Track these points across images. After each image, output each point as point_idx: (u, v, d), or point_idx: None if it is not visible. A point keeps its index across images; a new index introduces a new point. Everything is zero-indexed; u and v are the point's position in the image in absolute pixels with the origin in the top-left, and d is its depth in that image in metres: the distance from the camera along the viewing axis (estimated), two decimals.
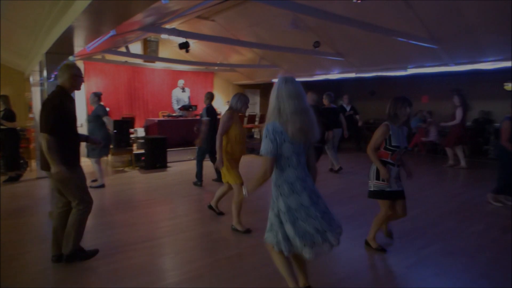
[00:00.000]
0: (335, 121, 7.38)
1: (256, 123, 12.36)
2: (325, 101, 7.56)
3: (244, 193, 2.48)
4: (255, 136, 12.37)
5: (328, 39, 8.48)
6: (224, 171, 4.21)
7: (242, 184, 4.06)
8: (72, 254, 3.32)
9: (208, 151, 6.46)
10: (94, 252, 3.51)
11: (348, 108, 10.35)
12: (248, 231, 4.17)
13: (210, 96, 6.62)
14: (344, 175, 7.45)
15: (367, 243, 3.80)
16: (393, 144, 3.46)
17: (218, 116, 6.54)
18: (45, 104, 3.13)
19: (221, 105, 13.45)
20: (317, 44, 8.18)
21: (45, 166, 3.16)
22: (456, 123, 7.96)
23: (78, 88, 3.31)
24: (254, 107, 14.74)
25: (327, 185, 6.56)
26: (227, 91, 13.98)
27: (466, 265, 3.40)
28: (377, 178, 3.54)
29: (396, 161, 3.52)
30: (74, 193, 3.25)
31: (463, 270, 3.30)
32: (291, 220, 2.28)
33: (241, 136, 4.16)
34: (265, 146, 2.24)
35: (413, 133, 10.36)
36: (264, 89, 14.34)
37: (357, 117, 10.47)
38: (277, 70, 11.58)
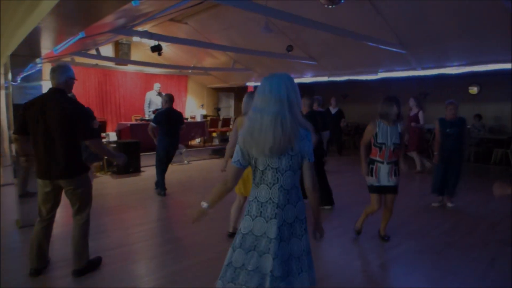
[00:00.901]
0: (324, 125, 7.48)
1: (231, 126, 12.35)
2: (314, 105, 7.65)
3: (203, 205, 1.94)
4: (229, 139, 12.34)
5: (301, 43, 8.61)
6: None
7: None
8: (86, 267, 3.18)
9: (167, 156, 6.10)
10: (99, 260, 3.38)
11: (334, 111, 10.46)
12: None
13: (170, 99, 6.27)
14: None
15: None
16: (379, 141, 3.65)
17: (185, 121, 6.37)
18: (78, 111, 2.97)
19: (195, 108, 13.37)
20: (290, 48, 8.28)
21: (44, 173, 2.97)
22: (422, 125, 7.97)
23: (70, 91, 3.20)
24: (228, 111, 14.73)
25: None
26: (201, 94, 13.92)
27: (435, 262, 3.52)
28: (368, 174, 3.80)
29: (386, 158, 3.68)
30: (87, 200, 3.15)
31: (432, 267, 3.42)
32: (244, 246, 1.86)
33: None
34: (235, 152, 1.87)
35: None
36: (239, 92, 14.36)
37: (343, 120, 10.56)
38: (251, 74, 11.64)
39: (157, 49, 7.22)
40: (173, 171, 8.25)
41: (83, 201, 3.11)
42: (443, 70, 7.73)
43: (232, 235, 4.16)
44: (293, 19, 5.57)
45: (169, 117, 5.90)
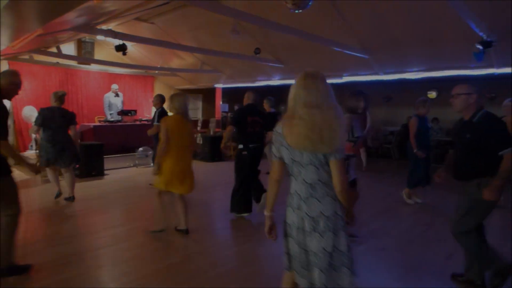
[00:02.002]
0: (273, 125, 7.51)
1: (199, 128, 12.23)
2: (266, 105, 7.72)
3: (266, 214, 2.05)
4: (197, 141, 12.22)
5: (268, 46, 8.68)
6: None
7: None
8: (7, 268, 3.01)
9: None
10: (26, 268, 3.21)
11: None
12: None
13: (162, 99, 6.41)
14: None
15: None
16: (355, 135, 3.71)
17: None
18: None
19: None
20: (257, 51, 8.33)
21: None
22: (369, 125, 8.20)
23: (10, 98, 3.10)
24: (196, 112, 14.58)
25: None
26: (168, 95, 13.67)
27: (397, 259, 3.66)
28: (347, 171, 3.67)
29: (355, 151, 3.78)
30: (15, 197, 3.04)
31: (395, 264, 3.55)
32: (291, 233, 1.96)
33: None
34: (271, 148, 1.97)
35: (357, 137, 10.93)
36: (207, 94, 14.25)
37: None
38: (219, 76, 11.59)
39: (121, 48, 7.03)
40: (139, 173, 8.07)
41: (12, 197, 3.02)
42: (404, 75, 8.06)
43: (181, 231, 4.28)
44: (261, 22, 5.61)
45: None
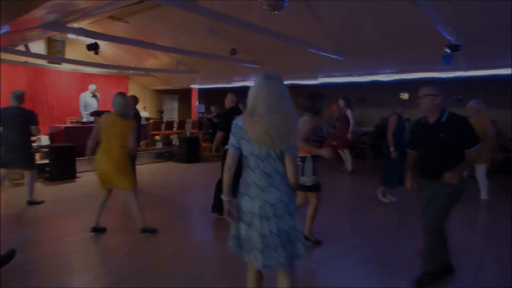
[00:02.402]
0: None
1: (175, 129, 12.08)
2: (241, 107, 7.73)
3: (224, 198, 2.15)
4: (173, 142, 12.08)
5: (245, 47, 8.69)
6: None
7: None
8: None
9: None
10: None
11: None
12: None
13: (135, 100, 6.31)
14: None
15: (307, 238, 3.79)
16: (319, 135, 3.83)
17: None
18: None
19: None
20: (234, 51, 8.33)
21: None
22: (352, 124, 8.21)
23: None
24: (172, 113, 14.41)
25: None
26: (143, 96, 13.44)
27: (371, 257, 3.73)
28: (314, 173, 3.70)
29: (328, 146, 3.81)
30: None
31: (368, 261, 3.62)
32: (242, 219, 2.14)
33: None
34: (230, 139, 2.13)
35: (324, 137, 11.08)
36: (183, 94, 14.11)
37: None
38: (195, 76, 11.50)
39: (93, 47, 6.87)
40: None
41: None
42: (377, 77, 8.25)
43: (95, 229, 4.23)
44: (237, 23, 5.62)
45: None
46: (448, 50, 5.80)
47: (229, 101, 5.12)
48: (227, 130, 4.52)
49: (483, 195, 5.76)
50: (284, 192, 2.08)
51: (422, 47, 6.61)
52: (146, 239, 4.13)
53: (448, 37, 5.69)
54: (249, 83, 10.76)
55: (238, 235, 2.18)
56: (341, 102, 8.28)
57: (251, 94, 2.09)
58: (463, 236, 4.39)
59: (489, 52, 6.43)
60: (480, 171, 5.65)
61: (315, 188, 3.76)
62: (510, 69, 6.69)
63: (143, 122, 11.45)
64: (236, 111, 4.93)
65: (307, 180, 3.69)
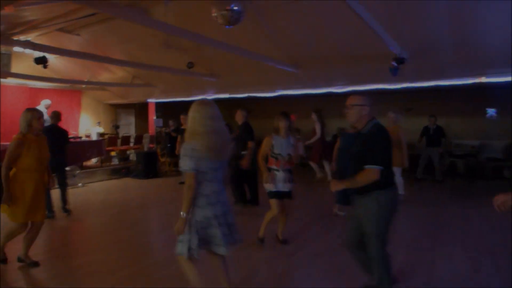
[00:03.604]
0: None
1: (132, 144, 11.74)
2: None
3: (182, 215, 2.49)
4: (131, 158, 11.73)
5: (202, 60, 8.70)
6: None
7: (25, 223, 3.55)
8: None
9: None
10: None
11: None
12: (35, 264, 3.69)
13: (56, 115, 5.91)
14: None
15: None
16: (275, 151, 4.10)
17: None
18: None
19: (90, 126, 12.42)
20: (190, 65, 8.31)
21: None
22: (318, 137, 8.70)
23: None
24: (128, 128, 14.00)
25: None
26: (97, 111, 12.99)
27: (331, 263, 3.82)
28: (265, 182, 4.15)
29: (281, 166, 4.10)
30: None
31: (330, 268, 3.70)
32: (204, 226, 2.55)
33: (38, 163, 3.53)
34: (186, 163, 2.46)
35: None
36: (140, 109, 13.77)
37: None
38: (152, 90, 11.31)
39: (41, 61, 6.56)
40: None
41: None
42: (331, 89, 8.58)
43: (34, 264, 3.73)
44: (192, 37, 5.63)
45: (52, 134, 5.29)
46: (395, 63, 6.16)
47: (240, 117, 6.33)
48: (252, 138, 5.98)
49: (400, 190, 6.24)
50: (225, 195, 2.71)
51: (371, 60, 6.96)
52: (112, 255, 3.95)
53: (395, 51, 6.05)
54: (208, 96, 10.77)
55: (199, 242, 2.54)
56: (314, 116, 8.67)
57: (189, 119, 2.54)
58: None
59: (432, 64, 6.90)
60: (397, 172, 6.15)
61: (268, 195, 4.22)
62: (452, 79, 7.25)
63: (97, 138, 11.05)
64: (249, 124, 6.27)
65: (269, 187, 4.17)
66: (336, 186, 2.78)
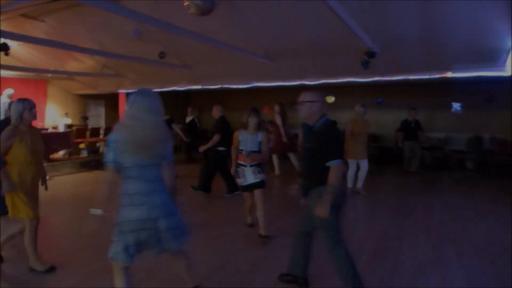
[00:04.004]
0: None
1: (101, 136, 11.41)
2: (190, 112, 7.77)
3: (93, 212, 2.33)
4: (100, 150, 11.41)
5: (174, 51, 8.53)
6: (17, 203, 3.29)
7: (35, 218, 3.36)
8: None
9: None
10: None
11: (188, 120, 10.58)
12: (52, 269, 3.46)
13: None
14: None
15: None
16: (240, 147, 4.17)
17: None
18: None
19: (57, 117, 11.97)
20: (162, 55, 8.14)
21: None
22: (282, 130, 8.47)
23: None
24: (98, 119, 13.60)
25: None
26: (65, 101, 12.53)
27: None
28: (238, 176, 4.28)
29: (248, 162, 4.17)
30: None
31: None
32: (130, 229, 2.28)
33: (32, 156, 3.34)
34: (106, 154, 2.28)
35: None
36: (110, 99, 13.38)
37: (198, 125, 10.82)
38: (123, 80, 11.01)
39: (2, 48, 6.23)
40: None
41: None
42: (304, 81, 8.65)
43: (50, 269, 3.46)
44: (164, 26, 5.49)
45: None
46: (366, 57, 6.28)
47: (217, 111, 6.64)
48: (223, 133, 6.16)
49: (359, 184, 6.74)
50: (166, 196, 2.37)
51: (343, 53, 7.07)
52: (75, 253, 3.84)
53: (366, 45, 6.16)
54: (179, 87, 10.61)
55: (127, 245, 2.29)
56: (276, 108, 8.62)
57: (125, 111, 2.35)
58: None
59: (401, 59, 7.09)
60: (364, 164, 6.63)
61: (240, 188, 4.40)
62: (420, 74, 7.49)
63: (64, 129, 10.66)
64: (225, 118, 6.59)
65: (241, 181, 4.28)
66: (324, 210, 2.61)
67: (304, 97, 2.92)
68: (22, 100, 3.35)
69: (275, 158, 8.80)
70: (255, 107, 4.39)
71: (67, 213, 5.71)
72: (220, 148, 6.21)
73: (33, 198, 3.36)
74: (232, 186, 6.28)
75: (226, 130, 6.33)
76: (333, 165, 2.66)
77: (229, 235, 4.44)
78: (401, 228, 4.77)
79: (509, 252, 3.88)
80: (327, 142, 2.72)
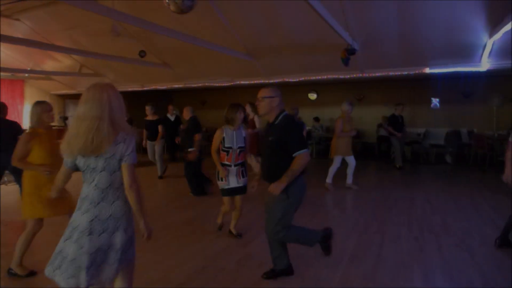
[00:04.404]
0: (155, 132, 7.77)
1: None
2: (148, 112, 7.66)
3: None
4: None
5: (154, 49, 8.43)
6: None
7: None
8: None
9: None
10: None
11: (172, 118, 10.45)
12: (32, 274, 3.34)
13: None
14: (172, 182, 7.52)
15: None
16: (226, 145, 3.90)
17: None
18: None
19: None
20: (142, 54, 8.03)
21: None
22: (258, 131, 8.60)
23: None
24: None
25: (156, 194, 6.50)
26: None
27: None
28: (219, 179, 3.99)
29: (233, 161, 3.94)
30: None
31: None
32: (68, 236, 1.97)
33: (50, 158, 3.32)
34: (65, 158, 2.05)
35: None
36: None
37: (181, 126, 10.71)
38: (102, 80, 10.81)
39: None
40: (7, 192, 7.04)
41: None
42: (286, 78, 8.69)
43: (30, 273, 3.33)
44: (142, 24, 5.41)
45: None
46: (346, 53, 6.34)
47: (187, 113, 6.40)
48: (199, 131, 6.18)
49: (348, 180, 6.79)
50: (118, 207, 2.00)
51: (324, 51, 7.13)
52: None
53: (346, 42, 6.22)
54: (161, 85, 10.49)
55: (62, 252, 1.97)
56: (248, 108, 8.51)
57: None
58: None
59: (381, 55, 7.20)
60: (351, 160, 6.63)
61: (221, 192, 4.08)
62: (400, 70, 7.63)
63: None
64: (196, 118, 6.39)
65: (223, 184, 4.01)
66: (277, 188, 2.75)
67: (263, 93, 2.96)
68: (40, 103, 3.37)
69: (252, 158, 8.75)
70: (238, 102, 4.22)
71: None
72: (191, 149, 6.18)
73: (48, 201, 3.26)
74: (201, 188, 6.38)
75: (200, 130, 6.38)
76: (300, 154, 2.76)
77: (213, 234, 4.42)
78: (383, 222, 4.85)
79: (487, 244, 3.99)
80: (291, 134, 2.81)
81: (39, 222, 3.36)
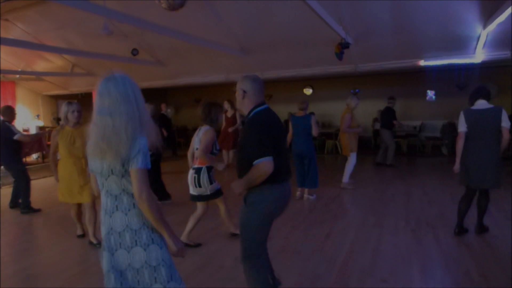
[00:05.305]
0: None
1: None
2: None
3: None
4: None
5: (147, 47, 8.35)
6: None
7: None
8: None
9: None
10: None
11: (170, 116, 10.46)
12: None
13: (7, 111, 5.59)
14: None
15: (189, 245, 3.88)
16: (217, 148, 3.75)
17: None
18: None
19: (28, 119, 11.55)
20: (135, 52, 7.96)
21: None
22: (238, 126, 8.47)
23: None
24: None
25: None
26: (35, 103, 12.11)
27: (284, 245, 3.88)
28: (211, 182, 3.74)
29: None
30: None
31: (282, 250, 3.76)
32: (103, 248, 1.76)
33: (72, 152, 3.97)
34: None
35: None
36: (83, 99, 12.99)
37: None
38: (95, 79, 10.69)
39: None
40: (2, 194, 6.98)
41: None
42: (280, 73, 8.66)
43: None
44: (134, 22, 5.35)
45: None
46: (340, 47, 6.31)
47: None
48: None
49: (345, 179, 6.50)
50: (135, 216, 1.67)
51: (317, 45, 7.09)
52: (55, 258, 3.70)
53: (340, 36, 6.18)
54: (155, 84, 10.42)
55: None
56: (226, 105, 8.50)
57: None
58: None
59: (375, 48, 7.17)
60: (352, 158, 6.37)
61: (216, 195, 3.86)
62: (394, 62, 7.61)
63: (37, 131, 10.30)
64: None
65: (204, 190, 3.76)
66: (236, 186, 2.25)
67: (238, 83, 2.39)
68: (68, 104, 3.95)
69: (225, 154, 8.75)
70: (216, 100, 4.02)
71: (40, 217, 5.52)
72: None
73: (73, 187, 4.01)
74: (165, 193, 5.93)
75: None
76: (258, 163, 2.16)
77: (211, 232, 4.39)
78: (381, 215, 4.85)
79: (484, 235, 4.01)
80: (249, 137, 2.26)
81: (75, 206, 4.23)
